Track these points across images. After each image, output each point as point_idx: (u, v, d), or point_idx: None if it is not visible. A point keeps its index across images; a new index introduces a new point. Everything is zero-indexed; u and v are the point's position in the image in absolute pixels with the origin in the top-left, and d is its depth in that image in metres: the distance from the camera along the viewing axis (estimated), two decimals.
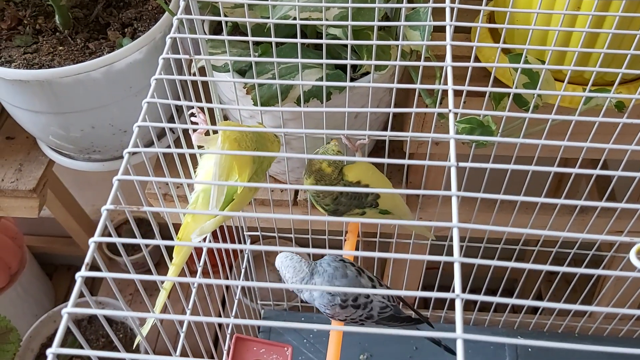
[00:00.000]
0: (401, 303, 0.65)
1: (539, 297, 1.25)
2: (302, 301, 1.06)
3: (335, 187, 0.55)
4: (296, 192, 0.77)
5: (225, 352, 0.71)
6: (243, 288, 0.90)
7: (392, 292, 0.33)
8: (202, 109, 0.51)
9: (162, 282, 0.52)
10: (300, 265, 0.57)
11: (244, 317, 0.87)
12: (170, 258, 0.55)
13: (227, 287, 1.07)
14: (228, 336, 0.74)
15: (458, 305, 0.33)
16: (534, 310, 0.97)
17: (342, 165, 0.57)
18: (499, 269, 0.84)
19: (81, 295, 0.34)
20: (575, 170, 0.39)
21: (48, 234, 1.48)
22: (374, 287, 0.59)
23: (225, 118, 0.71)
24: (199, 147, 0.56)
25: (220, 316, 1.04)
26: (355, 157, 0.41)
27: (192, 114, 0.57)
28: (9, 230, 1.29)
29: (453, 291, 0.32)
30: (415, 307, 0.95)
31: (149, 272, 0.43)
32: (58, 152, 0.79)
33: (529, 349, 0.86)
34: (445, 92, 0.46)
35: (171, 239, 0.55)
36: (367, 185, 0.58)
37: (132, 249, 1.41)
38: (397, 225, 0.73)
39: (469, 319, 0.91)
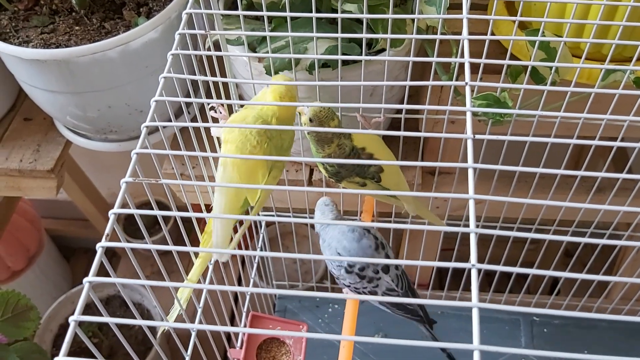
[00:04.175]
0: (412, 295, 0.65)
1: (554, 281, 1.24)
2: (317, 282, 1.07)
3: (346, 159, 0.54)
4: (311, 172, 0.77)
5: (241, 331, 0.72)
6: (258, 270, 0.90)
7: (402, 262, 0.33)
8: (222, 101, 0.51)
9: (183, 263, 0.53)
10: (329, 212, 0.60)
11: (260, 301, 0.87)
12: (189, 236, 0.55)
13: (243, 267, 1.07)
14: (244, 314, 0.74)
15: (474, 275, 0.34)
16: (549, 291, 0.97)
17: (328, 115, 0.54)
18: (514, 253, 0.83)
19: (102, 274, 0.34)
20: (595, 142, 0.38)
21: (65, 217, 1.49)
22: (386, 266, 0.59)
23: (240, 97, 0.71)
24: (218, 138, 0.56)
25: (236, 299, 1.05)
26: (369, 130, 0.41)
27: (212, 108, 0.57)
28: (27, 213, 1.31)
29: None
30: (430, 288, 0.95)
31: (167, 253, 0.44)
32: (75, 133, 0.79)
33: (544, 330, 0.86)
34: (461, 68, 0.46)
35: (189, 219, 0.55)
36: (371, 154, 0.57)
37: (150, 232, 1.42)
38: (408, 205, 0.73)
39: (484, 299, 0.91)
